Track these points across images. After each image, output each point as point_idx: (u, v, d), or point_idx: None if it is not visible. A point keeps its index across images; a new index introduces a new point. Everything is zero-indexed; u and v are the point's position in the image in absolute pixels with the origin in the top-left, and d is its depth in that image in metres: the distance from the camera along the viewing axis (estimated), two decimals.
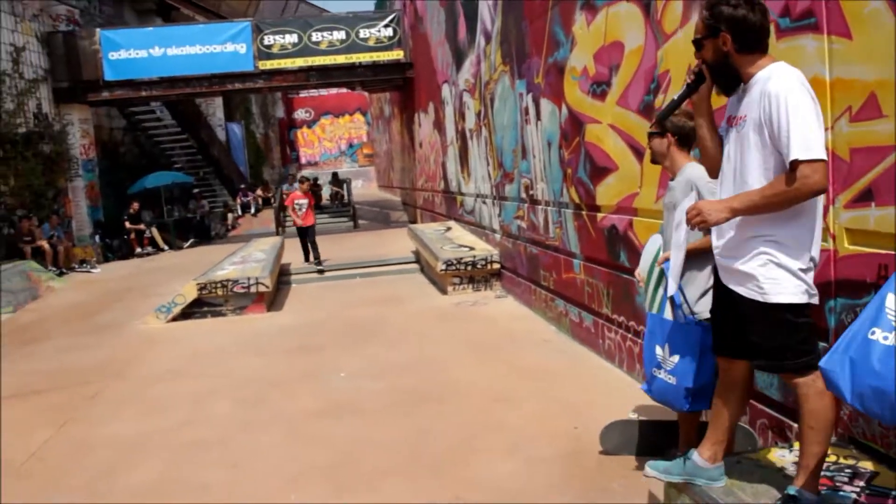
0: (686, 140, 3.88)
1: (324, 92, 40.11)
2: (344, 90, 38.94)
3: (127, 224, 18.12)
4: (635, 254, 5.76)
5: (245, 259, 11.78)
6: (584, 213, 6.86)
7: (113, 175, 19.57)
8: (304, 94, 40.53)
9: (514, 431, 5.03)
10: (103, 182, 18.28)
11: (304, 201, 13.06)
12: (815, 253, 2.91)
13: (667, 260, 3.80)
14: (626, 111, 5.69)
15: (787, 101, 2.68)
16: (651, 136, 3.99)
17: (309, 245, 13.14)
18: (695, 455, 3.20)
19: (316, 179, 25.23)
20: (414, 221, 19.47)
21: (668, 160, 3.93)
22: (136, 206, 18.43)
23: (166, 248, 18.81)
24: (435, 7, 14.00)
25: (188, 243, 19.62)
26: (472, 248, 10.97)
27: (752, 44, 2.85)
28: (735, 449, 3.91)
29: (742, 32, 2.82)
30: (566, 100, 7.02)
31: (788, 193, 2.71)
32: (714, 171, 3.21)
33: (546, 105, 7.65)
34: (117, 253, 17.77)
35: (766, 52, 2.87)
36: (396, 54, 17.39)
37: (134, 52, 16.66)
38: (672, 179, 3.94)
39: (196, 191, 21.92)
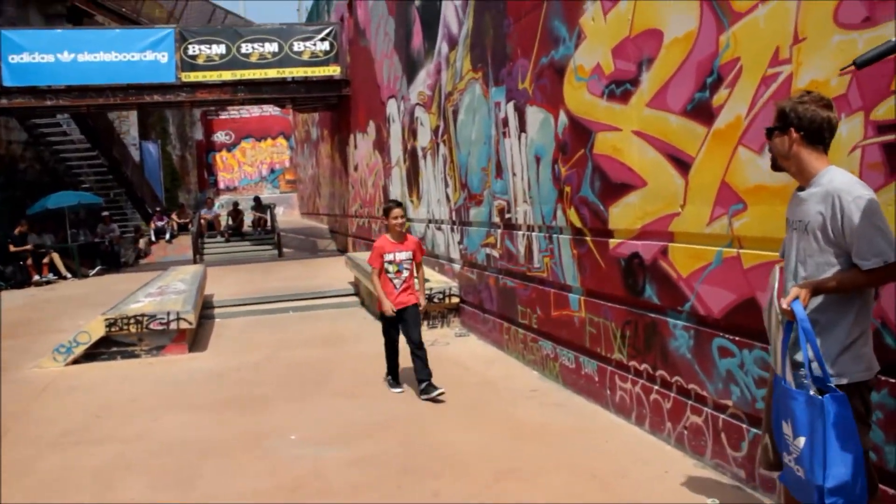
0: (818, 136, 2.77)
1: (245, 114, 38.46)
2: (267, 112, 37.60)
3: (11, 247, 16.07)
4: (668, 287, 4.66)
5: (163, 290, 10.22)
6: (587, 238, 5.74)
7: (9, 193, 17.54)
8: (224, 115, 38.69)
9: None
10: None
11: (408, 255, 6.44)
12: None
13: (795, 299, 2.69)
14: (664, 114, 4.60)
15: None
16: (769, 132, 2.88)
17: (414, 347, 6.27)
18: None
19: (236, 204, 23.66)
20: (345, 250, 18.17)
21: (794, 164, 2.82)
22: (23, 226, 16.41)
23: (69, 275, 16.85)
24: (382, 16, 12.84)
25: (94, 271, 17.69)
26: (426, 280, 9.73)
27: None
28: None
29: None
30: (566, 105, 5.92)
31: None
32: None
33: (535, 113, 6.54)
34: (11, 281, 15.74)
35: None
36: (332, 70, 16.15)
37: (39, 56, 14.87)
38: (801, 190, 2.84)
39: (105, 213, 19.96)
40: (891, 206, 2.99)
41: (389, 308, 6.30)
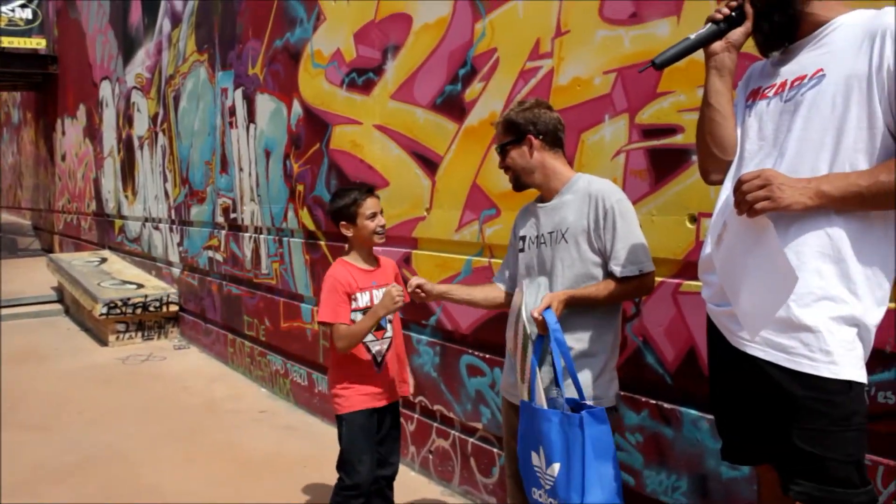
0: (556, 138, 2.55)
1: None
2: None
3: None
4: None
5: None
6: (322, 242, 5.21)
7: None
8: None
9: None
10: None
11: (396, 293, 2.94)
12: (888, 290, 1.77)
13: (547, 308, 2.35)
14: (410, 107, 4.18)
15: None
16: (502, 149, 2.56)
17: (387, 483, 3.21)
18: None
19: None
20: (51, 250, 16.09)
21: (540, 173, 2.52)
22: None
23: None
24: None
25: None
26: (140, 286, 8.68)
27: None
28: None
29: None
30: (301, 94, 5.33)
31: None
32: (717, 168, 1.98)
33: (266, 102, 5.88)
34: None
35: None
36: (36, 42, 14.13)
37: None
38: (545, 201, 2.55)
39: None
40: (655, 217, 2.76)
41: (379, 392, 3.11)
